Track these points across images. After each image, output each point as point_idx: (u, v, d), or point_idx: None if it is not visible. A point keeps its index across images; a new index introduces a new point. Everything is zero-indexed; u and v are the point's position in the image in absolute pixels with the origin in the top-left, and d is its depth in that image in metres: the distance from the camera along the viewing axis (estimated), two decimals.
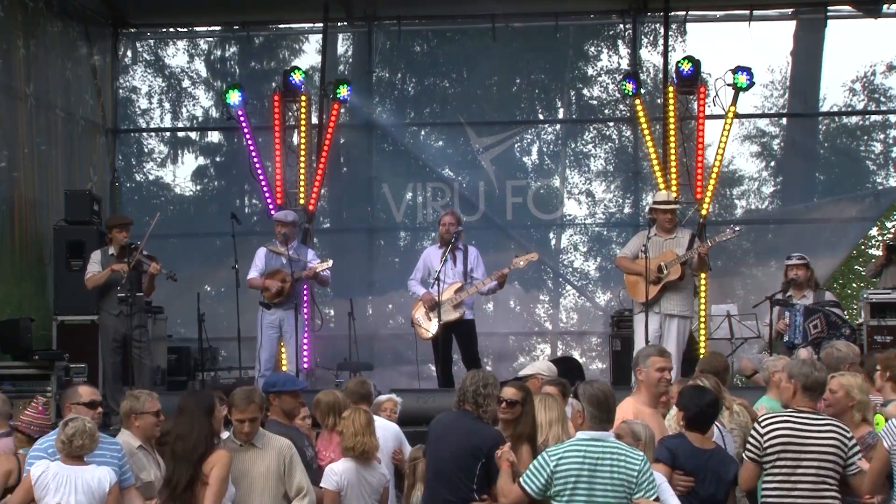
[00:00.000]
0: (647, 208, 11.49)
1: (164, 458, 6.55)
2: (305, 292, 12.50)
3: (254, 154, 13.61)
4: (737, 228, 11.67)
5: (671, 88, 13.54)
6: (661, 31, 14.73)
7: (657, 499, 5.62)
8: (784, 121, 16.27)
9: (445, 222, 11.54)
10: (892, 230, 18.52)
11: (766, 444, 6.19)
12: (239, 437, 6.46)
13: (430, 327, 11.38)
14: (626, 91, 13.59)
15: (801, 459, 6.14)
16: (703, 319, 12.97)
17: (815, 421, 6.21)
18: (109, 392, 11.09)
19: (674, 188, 13.35)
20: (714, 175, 13.49)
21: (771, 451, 6.18)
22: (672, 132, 13.43)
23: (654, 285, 10.62)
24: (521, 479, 5.65)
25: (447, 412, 6.88)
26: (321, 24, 15.00)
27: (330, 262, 11.87)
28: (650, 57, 15.57)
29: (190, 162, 16.30)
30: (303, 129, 13.74)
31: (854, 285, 22.88)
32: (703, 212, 13.42)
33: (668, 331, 10.64)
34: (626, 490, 5.57)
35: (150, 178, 16.37)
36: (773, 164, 16.44)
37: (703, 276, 13.08)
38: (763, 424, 6.24)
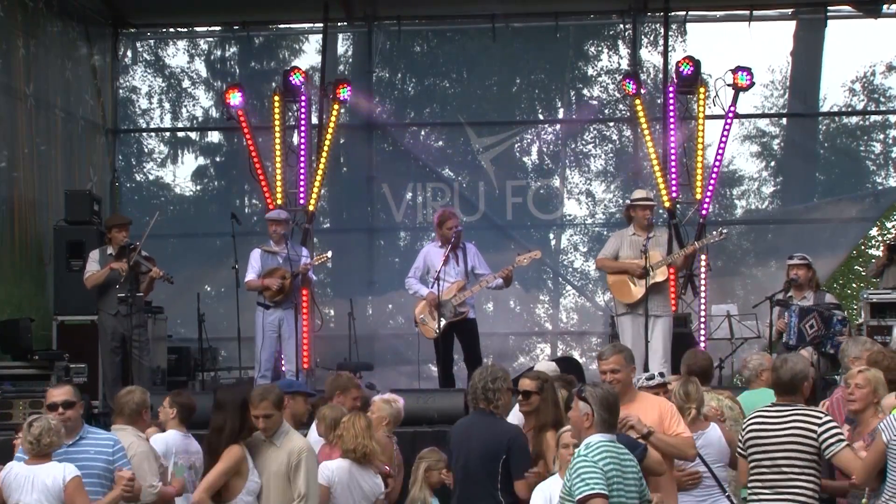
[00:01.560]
0: (625, 206, 11.48)
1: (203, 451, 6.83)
2: (305, 292, 12.50)
3: (254, 154, 13.61)
4: (724, 231, 11.63)
5: (671, 88, 13.54)
6: (661, 31, 14.74)
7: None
8: (784, 121, 16.27)
9: (451, 225, 11.48)
10: (894, 230, 18.54)
11: (744, 439, 6.45)
12: (261, 432, 6.62)
13: (436, 326, 11.31)
14: (630, 86, 13.60)
15: (766, 451, 6.32)
16: (703, 319, 12.96)
17: (781, 412, 6.37)
18: (109, 392, 11.09)
19: (674, 187, 13.38)
20: (714, 175, 13.51)
21: (748, 446, 6.41)
22: (672, 132, 13.44)
23: (642, 279, 10.62)
24: (591, 490, 5.40)
25: (467, 416, 6.90)
26: (321, 24, 14.99)
27: (329, 254, 11.87)
28: (650, 57, 15.59)
29: (190, 162, 16.33)
30: (303, 129, 13.75)
31: (854, 285, 22.90)
32: (703, 212, 13.43)
33: (653, 331, 10.63)
34: (638, 490, 5.61)
35: (150, 178, 16.38)
36: (773, 164, 16.44)
37: (702, 276, 13.10)
38: (744, 421, 6.56)
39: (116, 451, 6.54)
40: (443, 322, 11.15)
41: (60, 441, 6.38)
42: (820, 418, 6.28)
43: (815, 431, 6.23)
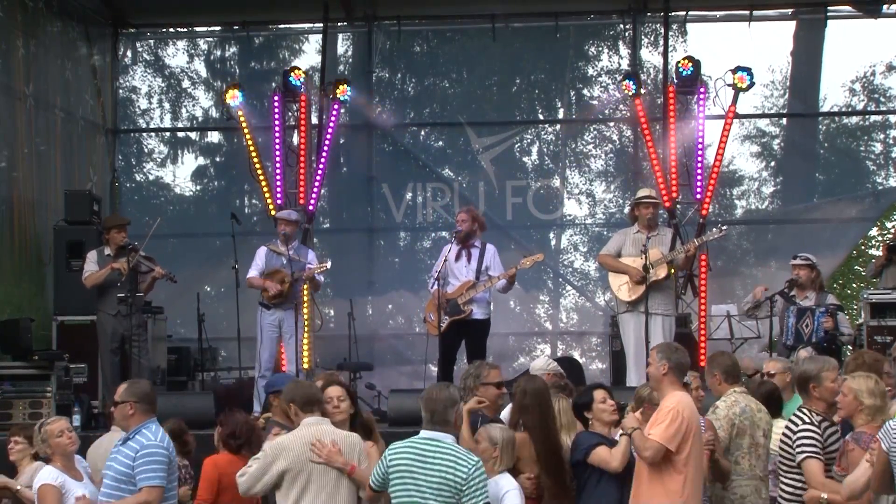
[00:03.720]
0: (629, 205, 11.48)
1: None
2: (305, 292, 12.49)
3: (254, 154, 13.61)
4: (724, 228, 11.64)
5: (671, 88, 13.55)
6: (661, 31, 14.74)
7: None
8: (784, 121, 16.26)
9: (459, 219, 11.38)
10: (893, 230, 18.52)
11: None
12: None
13: (437, 323, 11.21)
14: (627, 91, 13.65)
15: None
16: (703, 319, 12.95)
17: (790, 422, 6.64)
18: (108, 392, 11.09)
19: (674, 188, 13.38)
20: (714, 175, 13.52)
21: None
22: (672, 132, 13.45)
23: (640, 284, 10.62)
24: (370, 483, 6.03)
25: None
26: (321, 24, 15.01)
27: (328, 263, 11.81)
28: (650, 57, 15.59)
29: (190, 162, 16.33)
30: (303, 129, 13.75)
31: (854, 285, 22.89)
32: (703, 212, 13.44)
33: (653, 329, 10.62)
34: (451, 492, 5.72)
35: (150, 178, 16.38)
36: (773, 164, 16.42)
37: (702, 276, 13.10)
38: None
39: (138, 456, 6.33)
40: (444, 319, 11.07)
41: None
42: (794, 427, 6.45)
43: (791, 440, 6.45)
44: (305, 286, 12.16)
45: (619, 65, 15.77)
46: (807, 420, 6.45)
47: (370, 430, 6.80)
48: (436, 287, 11.17)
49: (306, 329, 12.51)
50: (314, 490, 6.14)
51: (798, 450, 6.36)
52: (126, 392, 6.55)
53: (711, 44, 18.06)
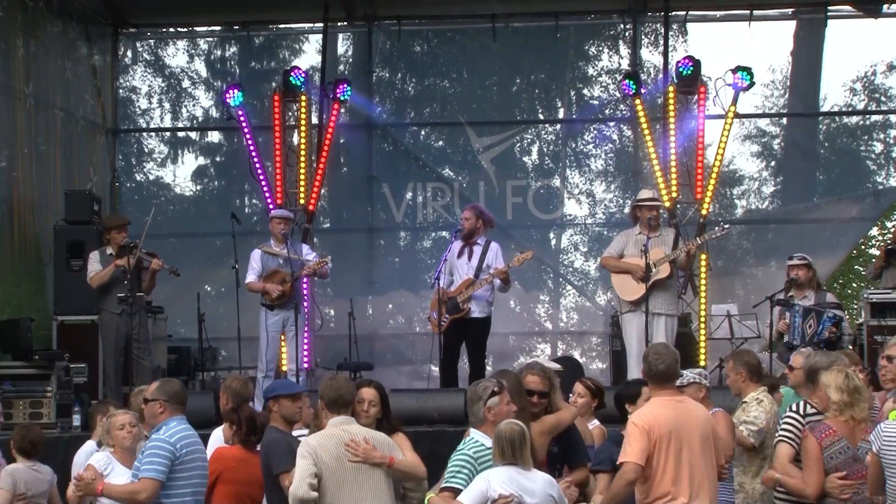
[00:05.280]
0: (630, 206, 11.50)
1: None
2: (305, 291, 12.50)
3: (254, 154, 13.62)
4: (726, 226, 11.66)
5: (671, 88, 13.55)
6: (662, 31, 14.74)
7: None
8: (784, 121, 16.26)
9: (463, 217, 11.42)
10: (893, 230, 18.50)
11: None
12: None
13: (439, 322, 11.18)
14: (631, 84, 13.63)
15: None
16: (703, 319, 12.96)
17: None
18: (110, 392, 11.10)
19: (674, 188, 13.38)
20: (714, 175, 13.53)
21: None
22: (672, 132, 13.45)
23: (643, 283, 10.63)
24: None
25: None
26: (321, 24, 15.02)
27: (328, 259, 11.83)
28: (650, 57, 15.60)
29: (190, 162, 16.33)
30: (303, 129, 13.75)
31: (854, 285, 22.89)
32: (703, 212, 13.44)
33: (655, 329, 10.63)
34: None
35: (150, 178, 16.38)
36: (773, 164, 16.43)
37: (702, 275, 13.11)
38: None
39: (145, 449, 6.53)
40: (443, 318, 11.05)
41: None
42: (797, 405, 6.65)
43: (780, 417, 6.80)
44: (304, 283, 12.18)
45: (619, 65, 15.78)
46: (793, 409, 6.60)
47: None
48: (437, 285, 11.17)
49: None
50: (352, 488, 6.20)
51: (778, 432, 6.57)
52: (157, 391, 6.70)
53: (711, 44, 18.12)
